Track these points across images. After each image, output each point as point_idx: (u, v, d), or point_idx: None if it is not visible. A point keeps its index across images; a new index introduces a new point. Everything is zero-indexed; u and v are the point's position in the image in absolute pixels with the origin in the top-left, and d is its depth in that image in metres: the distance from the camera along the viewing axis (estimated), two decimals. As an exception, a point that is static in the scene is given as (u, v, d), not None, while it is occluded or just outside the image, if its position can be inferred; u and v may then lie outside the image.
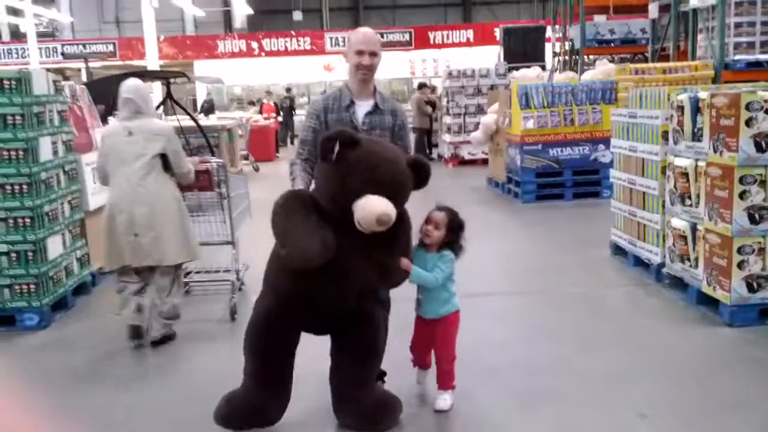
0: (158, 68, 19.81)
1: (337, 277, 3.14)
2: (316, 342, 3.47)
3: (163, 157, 4.67)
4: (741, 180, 4.40)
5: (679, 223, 5.13)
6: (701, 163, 4.81)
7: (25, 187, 5.04)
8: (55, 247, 5.38)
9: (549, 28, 17.56)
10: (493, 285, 5.96)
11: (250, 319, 3.38)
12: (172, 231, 4.65)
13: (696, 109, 4.90)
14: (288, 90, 23.14)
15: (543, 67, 14.09)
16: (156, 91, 20.52)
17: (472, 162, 14.43)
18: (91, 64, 21.94)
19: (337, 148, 3.09)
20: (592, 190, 9.79)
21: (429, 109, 15.67)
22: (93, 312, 5.68)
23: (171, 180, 4.75)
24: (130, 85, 4.74)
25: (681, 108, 5.08)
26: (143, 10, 18.80)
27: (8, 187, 5.02)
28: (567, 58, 15.84)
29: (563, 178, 9.79)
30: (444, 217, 3.49)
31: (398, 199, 3.14)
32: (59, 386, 4.22)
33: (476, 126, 12.33)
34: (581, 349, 4.44)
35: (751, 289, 4.51)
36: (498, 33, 20.50)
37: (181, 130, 11.32)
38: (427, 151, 15.90)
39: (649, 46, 12.86)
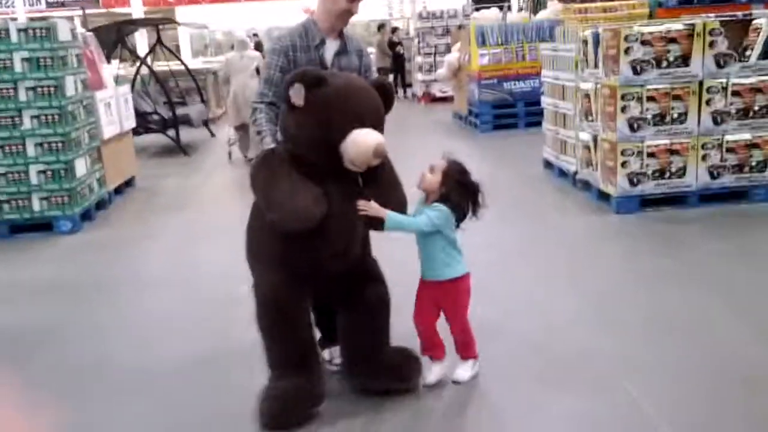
0: (143, 15, 20.66)
1: (335, 230, 2.90)
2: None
3: (257, 69, 8.72)
4: (623, 97, 5.64)
5: (585, 136, 6.39)
6: (598, 86, 6.04)
7: (56, 117, 6.21)
8: (80, 167, 6.58)
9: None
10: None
11: (257, 306, 3.04)
12: None
13: (597, 42, 6.10)
14: (255, 35, 23.73)
15: (501, 8, 15.09)
16: (142, 38, 21.37)
17: (443, 99, 15.45)
18: (77, 13, 22.60)
19: (301, 91, 2.84)
20: (542, 120, 10.98)
21: (389, 50, 16.64)
22: (112, 222, 6.93)
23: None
24: (243, 37, 10.31)
25: (586, 42, 6.29)
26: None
27: (43, 117, 6.19)
28: (531, -1, 16.85)
29: (516, 110, 10.98)
30: (443, 164, 3.16)
31: (380, 126, 2.96)
32: (94, 270, 5.51)
33: (444, 64, 13.42)
34: (500, 229, 5.71)
35: (632, 183, 5.80)
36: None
37: (171, 73, 12.41)
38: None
39: (600, -14, 13.89)
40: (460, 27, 15.01)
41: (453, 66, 12.36)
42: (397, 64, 17.13)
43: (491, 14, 12.42)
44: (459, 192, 3.13)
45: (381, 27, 17.35)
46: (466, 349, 3.30)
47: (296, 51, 3.25)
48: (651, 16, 10.83)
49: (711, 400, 3.02)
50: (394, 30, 17.83)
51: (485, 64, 10.84)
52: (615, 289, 4.41)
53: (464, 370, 3.27)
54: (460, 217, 3.17)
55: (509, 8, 16.29)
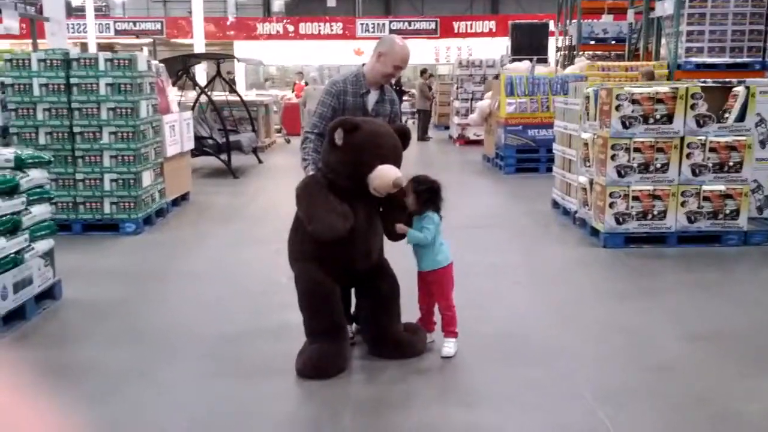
0: (203, 47, 22.16)
1: (361, 238, 3.83)
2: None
3: None
4: (612, 147, 6.53)
5: (583, 179, 7.27)
6: (595, 136, 6.94)
7: (131, 134, 7.33)
8: (146, 179, 7.67)
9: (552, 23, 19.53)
10: (468, 222, 8.09)
11: (300, 291, 3.93)
12: None
13: (596, 99, 7.01)
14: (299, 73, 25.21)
15: (542, 60, 16.08)
16: (200, 69, 22.88)
17: (477, 142, 16.39)
18: (139, 41, 24.29)
19: (342, 135, 3.72)
20: (562, 165, 11.86)
21: (429, 94, 17.74)
22: (169, 227, 8.01)
23: None
24: (315, 75, 12.53)
25: (588, 98, 7.20)
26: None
27: (119, 134, 7.31)
28: (566, 52, 17.80)
29: (538, 155, 11.88)
30: (409, 185, 3.96)
31: (399, 163, 3.86)
32: (154, 263, 6.55)
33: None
34: (499, 255, 6.62)
35: (618, 222, 6.65)
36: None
37: (227, 103, 13.63)
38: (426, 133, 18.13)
39: (626, 46, 14.83)
40: (496, 77, 16.03)
41: (484, 112, 13.35)
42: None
43: (522, 66, 13.40)
44: (430, 196, 4.05)
45: (423, 72, 18.48)
46: (449, 324, 4.17)
47: (346, 95, 4.13)
48: (669, 76, 11.73)
49: (626, 376, 3.88)
50: (430, 76, 18.95)
51: (512, 111, 11.80)
52: (582, 300, 5.33)
53: (449, 347, 4.15)
54: (439, 210, 4.12)
55: (539, 61, 17.29)
